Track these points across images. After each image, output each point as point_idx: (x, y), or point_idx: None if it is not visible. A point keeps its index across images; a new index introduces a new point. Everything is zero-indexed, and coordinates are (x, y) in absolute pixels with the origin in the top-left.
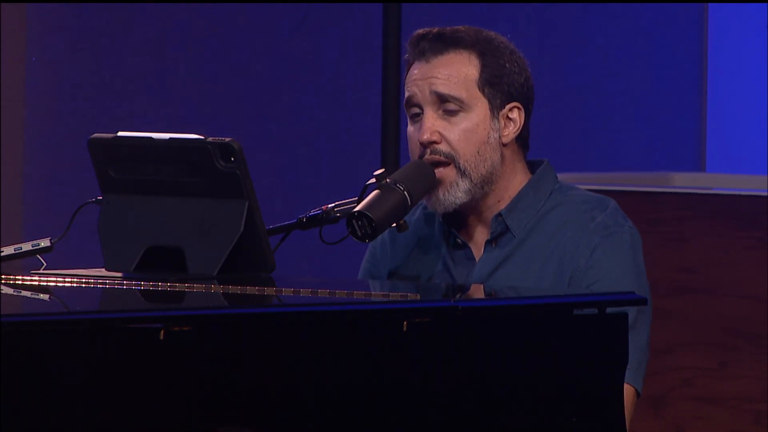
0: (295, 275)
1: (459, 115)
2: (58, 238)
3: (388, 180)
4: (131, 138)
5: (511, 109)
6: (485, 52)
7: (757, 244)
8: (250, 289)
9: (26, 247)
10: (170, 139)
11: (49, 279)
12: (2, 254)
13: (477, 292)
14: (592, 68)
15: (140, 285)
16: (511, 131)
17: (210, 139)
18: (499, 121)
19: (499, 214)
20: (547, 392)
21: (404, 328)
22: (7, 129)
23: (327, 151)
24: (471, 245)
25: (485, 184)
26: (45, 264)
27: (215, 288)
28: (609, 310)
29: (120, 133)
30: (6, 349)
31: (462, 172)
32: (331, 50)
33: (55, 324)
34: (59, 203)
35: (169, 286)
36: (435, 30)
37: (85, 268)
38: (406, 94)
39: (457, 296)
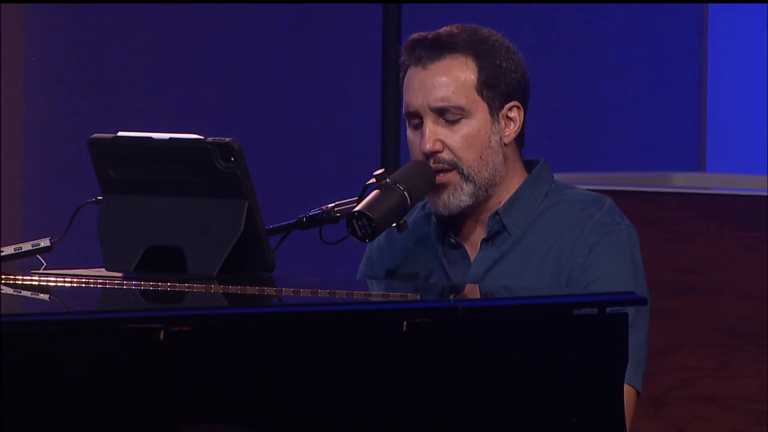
0: (295, 275)
1: (460, 123)
2: (58, 238)
3: (388, 180)
4: (131, 138)
5: (510, 109)
6: (481, 53)
7: (757, 244)
8: (250, 289)
9: (26, 247)
10: (170, 139)
11: (49, 279)
12: (2, 254)
13: (476, 291)
14: (591, 68)
15: (140, 285)
16: (511, 131)
17: (210, 139)
18: (499, 123)
19: (496, 213)
20: (547, 392)
21: (404, 328)
22: (7, 129)
23: (327, 151)
24: (466, 245)
25: (489, 187)
26: (45, 264)
27: (215, 288)
28: (609, 309)
29: (120, 133)
30: (6, 349)
31: (466, 178)
32: (330, 50)
33: (55, 324)
34: (59, 203)
35: (169, 286)
36: (431, 35)
37: (85, 268)
38: (406, 103)
39: (457, 296)
